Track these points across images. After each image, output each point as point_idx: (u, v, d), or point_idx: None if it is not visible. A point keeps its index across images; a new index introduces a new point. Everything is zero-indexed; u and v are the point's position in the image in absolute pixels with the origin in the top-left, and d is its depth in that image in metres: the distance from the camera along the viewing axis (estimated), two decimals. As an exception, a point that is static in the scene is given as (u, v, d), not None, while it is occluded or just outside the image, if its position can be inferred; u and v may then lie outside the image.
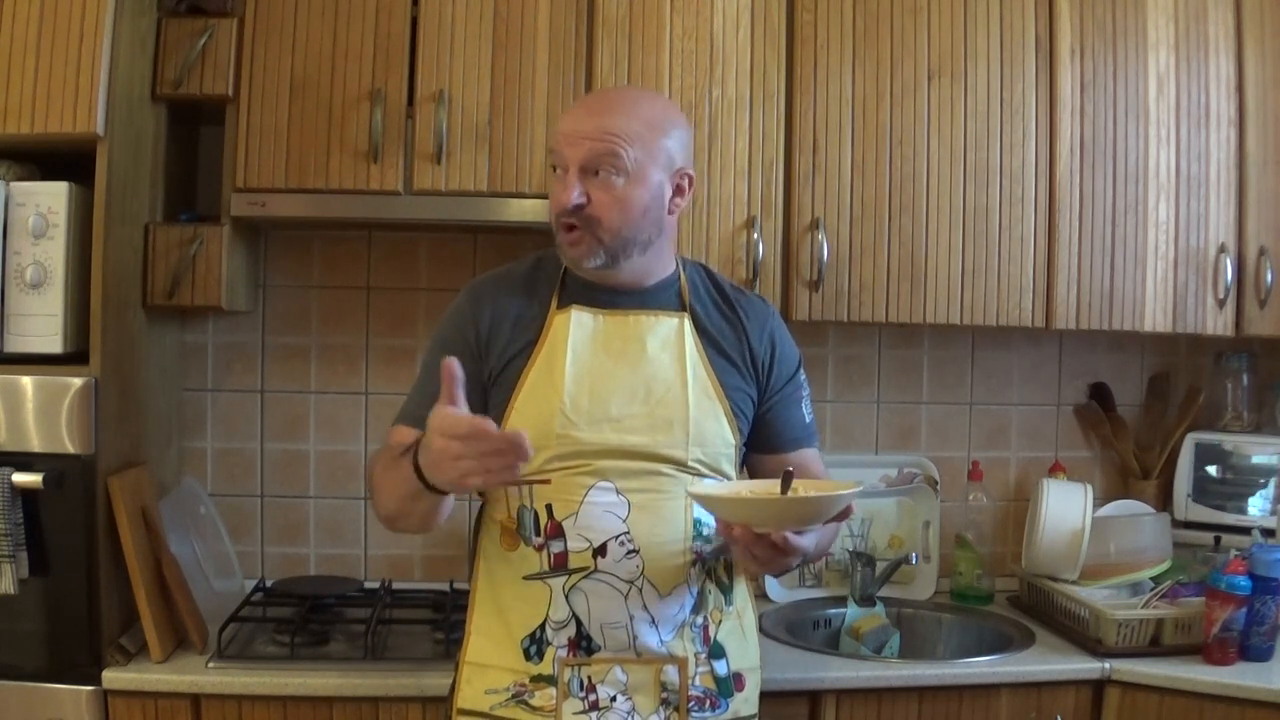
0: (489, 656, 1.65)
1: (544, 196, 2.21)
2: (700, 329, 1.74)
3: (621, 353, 1.68)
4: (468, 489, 1.41)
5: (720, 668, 1.68)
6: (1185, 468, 2.65)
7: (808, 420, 1.82)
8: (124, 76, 2.01)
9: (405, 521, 1.61)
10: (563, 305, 1.70)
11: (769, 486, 1.53)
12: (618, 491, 1.63)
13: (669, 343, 1.71)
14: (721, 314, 1.77)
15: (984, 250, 2.37)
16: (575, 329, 1.68)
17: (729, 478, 1.74)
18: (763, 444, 1.79)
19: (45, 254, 1.91)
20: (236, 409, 2.52)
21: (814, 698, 2.05)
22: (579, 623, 1.61)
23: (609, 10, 2.25)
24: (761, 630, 2.11)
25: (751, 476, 1.81)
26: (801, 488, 1.53)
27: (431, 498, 1.48)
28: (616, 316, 1.70)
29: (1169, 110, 2.42)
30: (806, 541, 1.48)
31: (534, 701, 1.61)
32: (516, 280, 1.75)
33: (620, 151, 1.60)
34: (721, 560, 1.70)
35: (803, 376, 1.83)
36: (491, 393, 1.69)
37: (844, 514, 1.49)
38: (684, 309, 1.74)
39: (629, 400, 1.66)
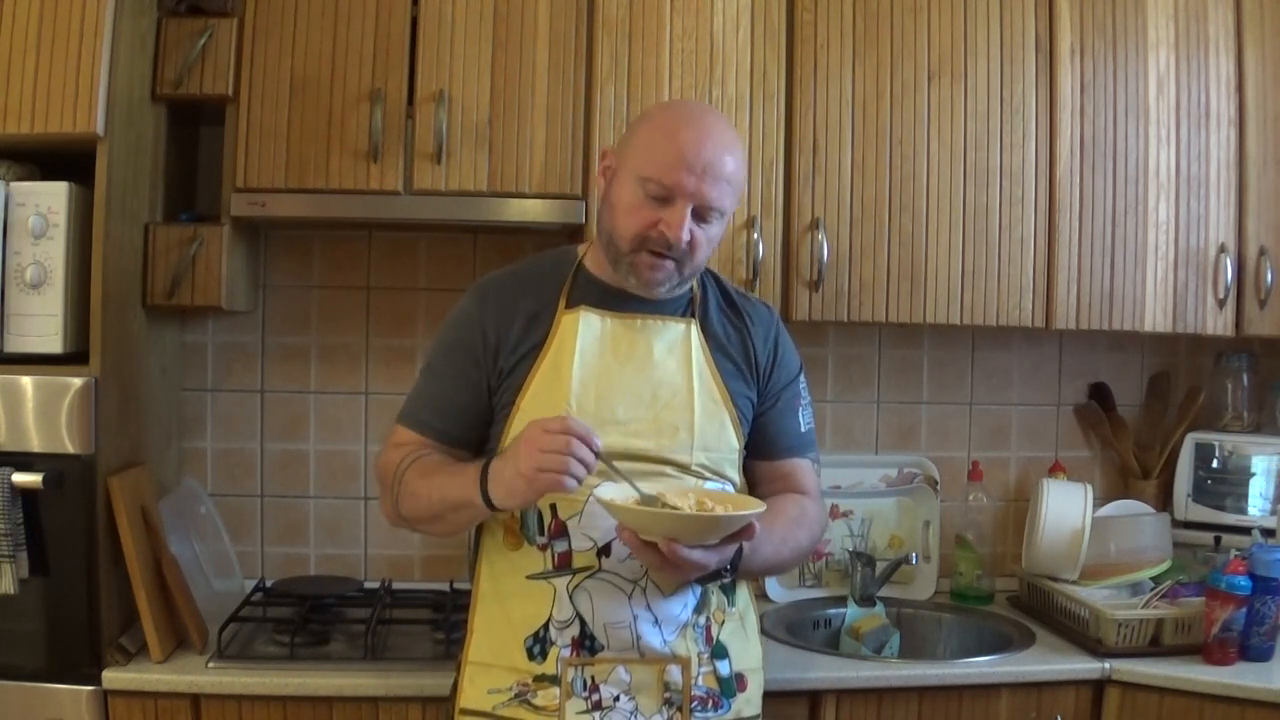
0: (492, 656, 1.66)
1: (543, 196, 2.21)
2: (707, 334, 1.74)
3: (629, 356, 1.69)
4: (539, 488, 1.47)
5: (723, 668, 1.68)
6: (1185, 468, 2.65)
7: (803, 429, 1.81)
8: (124, 76, 2.00)
9: (432, 526, 1.69)
10: (571, 306, 1.70)
11: (677, 494, 1.56)
12: (622, 491, 1.63)
13: (676, 347, 1.71)
14: (727, 318, 1.78)
15: (984, 250, 2.36)
16: (583, 330, 1.68)
17: (733, 482, 1.74)
18: (757, 450, 1.79)
19: (45, 254, 1.91)
20: (236, 409, 2.52)
21: (814, 698, 2.05)
22: (582, 622, 1.61)
23: (609, 10, 2.25)
24: (762, 630, 2.11)
25: (748, 481, 1.81)
26: (711, 500, 1.55)
27: (479, 512, 1.58)
28: (625, 319, 1.71)
29: (1169, 110, 2.42)
30: (700, 556, 1.49)
31: (537, 701, 1.61)
32: (524, 280, 1.75)
33: (732, 203, 1.66)
34: None
35: (803, 385, 1.83)
36: (498, 392, 1.69)
37: (745, 534, 1.51)
38: (692, 315, 1.74)
39: (635, 404, 1.66)
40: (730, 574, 1.63)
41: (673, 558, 1.47)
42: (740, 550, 1.56)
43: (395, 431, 1.75)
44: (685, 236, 1.61)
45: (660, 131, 1.64)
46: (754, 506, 1.54)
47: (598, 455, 1.48)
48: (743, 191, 1.71)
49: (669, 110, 1.73)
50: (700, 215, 1.62)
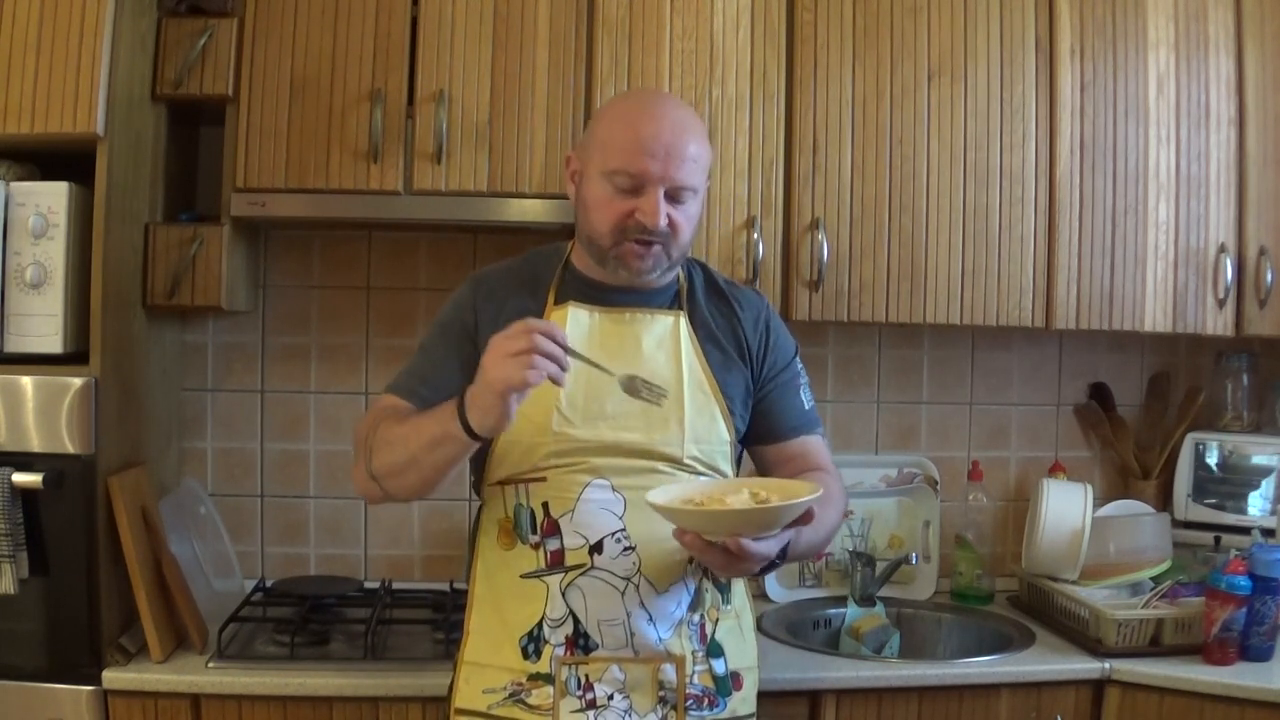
0: (487, 656, 1.66)
1: (543, 196, 2.21)
2: (696, 324, 1.74)
3: (617, 351, 1.69)
4: (501, 389, 1.43)
5: (718, 666, 1.68)
6: (1185, 468, 2.65)
7: (807, 407, 1.81)
8: (124, 76, 2.01)
9: (405, 476, 1.61)
10: (560, 302, 1.71)
11: (726, 488, 1.56)
12: (614, 489, 1.63)
13: (665, 341, 1.71)
14: (716, 307, 1.78)
15: (984, 250, 2.36)
16: (572, 326, 1.68)
17: (725, 475, 1.74)
18: (764, 435, 1.79)
19: (45, 254, 1.91)
20: (236, 409, 2.52)
21: (814, 698, 2.05)
22: (576, 620, 1.61)
23: (609, 10, 2.25)
24: (761, 630, 2.12)
25: (756, 468, 1.82)
26: (764, 490, 1.55)
27: (458, 444, 1.52)
28: (613, 314, 1.71)
29: (1169, 110, 2.42)
30: (765, 547, 1.49)
31: (531, 700, 1.61)
32: (516, 276, 1.76)
33: (701, 179, 1.66)
34: None
35: (799, 365, 1.83)
36: None
37: (804, 519, 1.50)
38: (680, 306, 1.74)
39: (624, 399, 1.66)
40: (781, 561, 1.60)
41: (741, 554, 1.46)
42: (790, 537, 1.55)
43: (379, 399, 1.75)
44: (663, 221, 1.62)
45: (618, 123, 1.65)
46: (807, 492, 1.51)
47: (565, 349, 1.46)
48: (711, 166, 1.72)
49: (623, 101, 1.75)
50: (673, 196, 1.63)
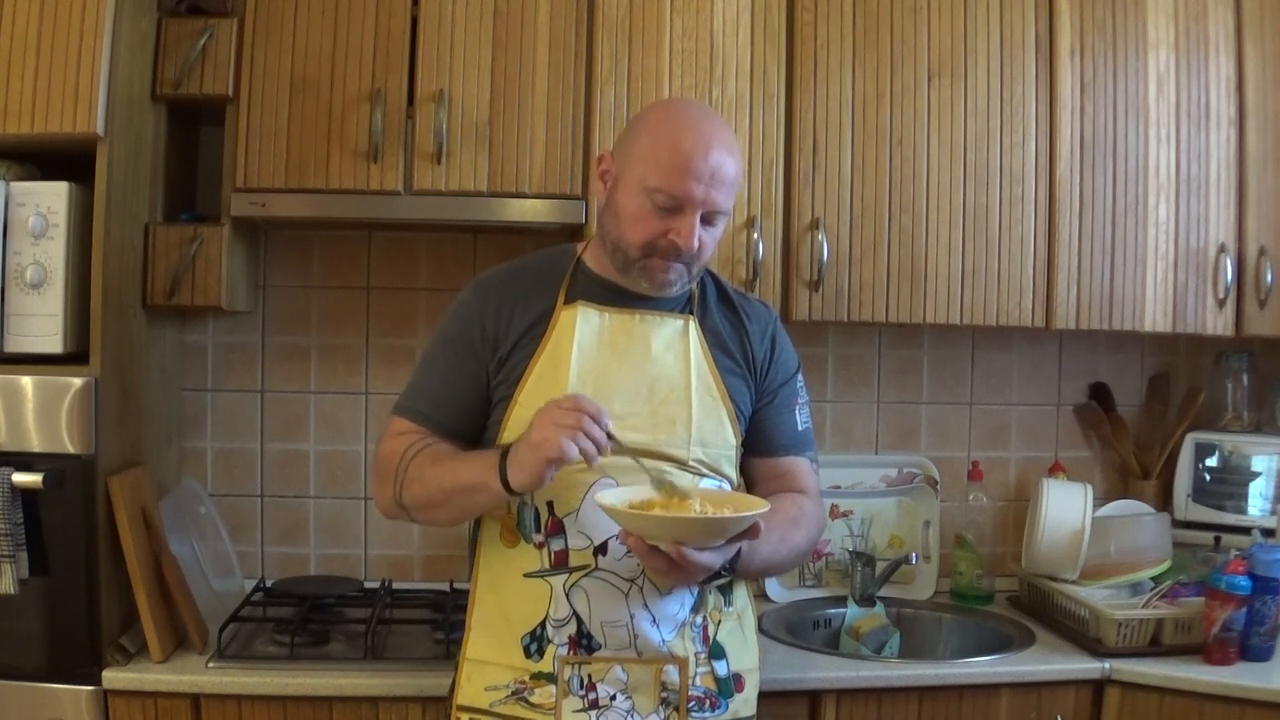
0: (489, 654, 1.66)
1: (543, 196, 2.21)
2: (706, 330, 1.75)
3: (626, 351, 1.69)
4: (544, 455, 1.47)
5: (721, 668, 1.68)
6: (1185, 468, 2.65)
7: (801, 428, 1.82)
8: (124, 76, 2.01)
9: (435, 512, 1.67)
10: (570, 301, 1.71)
11: (679, 494, 1.56)
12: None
13: (674, 343, 1.71)
14: (725, 316, 1.79)
15: (984, 250, 2.37)
16: (582, 325, 1.69)
17: (729, 478, 1.74)
18: (754, 447, 1.79)
19: (45, 254, 1.91)
20: (236, 409, 2.52)
21: (814, 698, 2.05)
22: (579, 620, 1.61)
23: (609, 10, 2.25)
24: (761, 630, 2.12)
25: (746, 480, 1.81)
26: (712, 504, 1.55)
27: (491, 496, 1.58)
28: (623, 315, 1.71)
29: (1169, 110, 2.42)
30: (708, 558, 1.50)
31: (534, 699, 1.61)
32: (525, 274, 1.76)
33: (733, 201, 1.67)
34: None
35: (800, 384, 1.84)
36: (497, 384, 1.70)
37: (751, 533, 1.51)
38: (690, 311, 1.75)
39: (632, 398, 1.66)
40: (729, 573, 1.63)
41: (682, 562, 1.48)
42: (739, 550, 1.57)
43: (393, 422, 1.76)
44: (696, 245, 1.62)
45: (663, 141, 1.63)
46: (758, 506, 1.54)
47: (609, 436, 1.49)
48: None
49: (668, 116, 1.69)
50: (706, 219, 1.64)
